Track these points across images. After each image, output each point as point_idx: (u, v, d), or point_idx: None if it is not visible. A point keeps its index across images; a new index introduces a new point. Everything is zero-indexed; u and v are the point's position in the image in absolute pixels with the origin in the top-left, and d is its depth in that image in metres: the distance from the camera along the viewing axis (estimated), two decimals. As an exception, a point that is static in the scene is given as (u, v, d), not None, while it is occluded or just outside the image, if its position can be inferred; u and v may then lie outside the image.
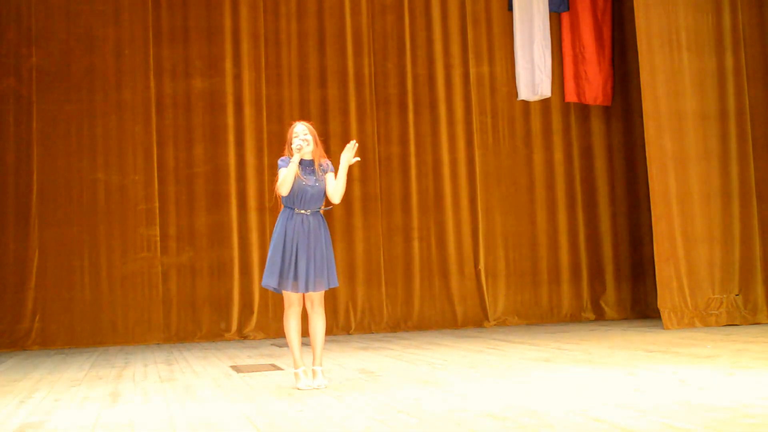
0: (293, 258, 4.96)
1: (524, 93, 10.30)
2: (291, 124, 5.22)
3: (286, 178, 4.96)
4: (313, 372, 5.10)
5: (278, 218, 5.10)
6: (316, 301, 5.10)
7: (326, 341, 8.81)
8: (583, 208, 10.62)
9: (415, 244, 10.14)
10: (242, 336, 9.56)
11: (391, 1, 10.34)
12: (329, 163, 5.17)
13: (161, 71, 9.81)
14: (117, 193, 9.61)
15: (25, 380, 6.27)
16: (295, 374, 5.10)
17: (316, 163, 5.10)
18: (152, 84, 9.76)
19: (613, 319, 10.33)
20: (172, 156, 9.76)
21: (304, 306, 5.16)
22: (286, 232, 5.00)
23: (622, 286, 10.60)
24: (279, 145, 9.97)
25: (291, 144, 5.06)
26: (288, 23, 10.10)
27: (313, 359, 5.12)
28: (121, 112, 9.70)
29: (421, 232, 10.17)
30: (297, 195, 5.01)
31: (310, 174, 5.07)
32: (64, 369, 6.98)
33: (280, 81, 10.04)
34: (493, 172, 10.44)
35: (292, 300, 5.04)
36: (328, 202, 5.17)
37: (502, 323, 10.15)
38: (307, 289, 5.00)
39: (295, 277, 4.96)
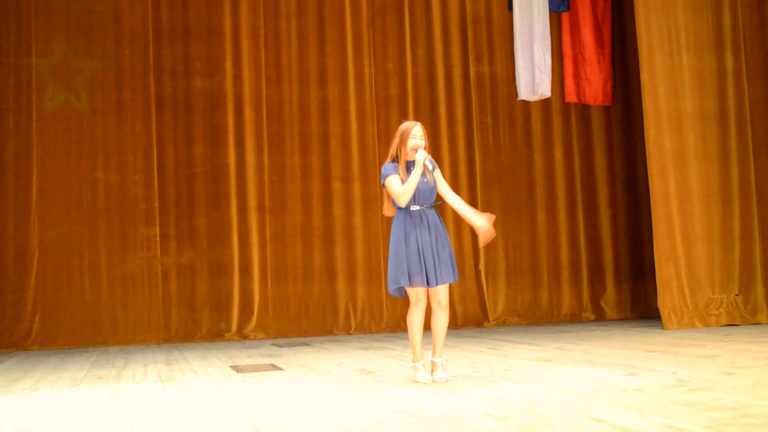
0: (419, 253, 4.97)
1: (524, 93, 10.29)
2: (405, 121, 5.17)
3: (407, 190, 4.97)
4: (433, 364, 5.12)
5: (394, 221, 5.12)
6: (443, 298, 5.05)
7: (327, 341, 8.85)
8: (583, 208, 10.62)
9: (416, 244, 10.12)
10: (242, 336, 9.56)
11: (391, 1, 10.34)
12: (432, 160, 5.14)
13: (161, 71, 9.81)
14: (117, 192, 9.61)
15: (25, 380, 6.27)
16: (415, 367, 5.11)
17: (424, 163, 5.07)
18: (152, 84, 9.76)
19: (613, 319, 10.33)
20: (172, 156, 9.76)
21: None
22: (406, 230, 5.02)
23: (622, 286, 10.60)
24: (279, 145, 10.01)
25: (405, 144, 5.03)
26: (288, 23, 10.10)
27: (434, 351, 5.13)
28: (121, 112, 9.71)
29: (421, 232, 10.15)
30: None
31: None
32: (64, 369, 6.98)
33: (280, 81, 10.04)
34: (493, 172, 10.44)
35: (419, 296, 5.03)
36: (439, 198, 5.18)
37: (502, 323, 10.15)
38: (435, 283, 4.97)
39: (425, 272, 4.96)
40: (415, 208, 5.07)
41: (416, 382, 5.04)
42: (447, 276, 5.02)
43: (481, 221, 5.04)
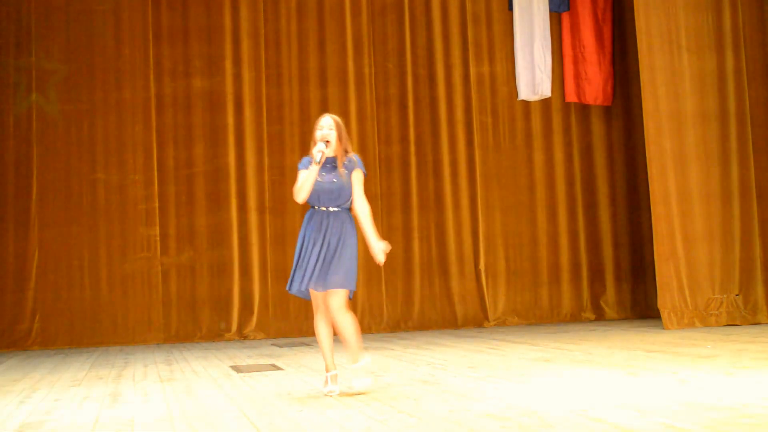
0: (307, 255, 4.68)
1: (524, 93, 10.29)
2: (318, 119, 4.87)
3: (304, 184, 4.65)
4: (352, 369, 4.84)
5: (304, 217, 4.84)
6: (331, 304, 4.68)
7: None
8: (583, 208, 10.62)
9: (415, 243, 10.14)
10: (242, 336, 9.56)
11: (391, 1, 10.34)
12: (355, 159, 4.80)
13: (161, 71, 9.81)
14: (117, 192, 9.62)
15: (25, 380, 6.27)
16: (324, 378, 4.83)
17: (339, 161, 4.74)
18: (152, 84, 9.76)
19: (613, 319, 10.33)
20: (172, 156, 9.76)
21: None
22: (305, 231, 4.74)
23: (622, 286, 10.59)
24: (279, 145, 10.01)
25: (315, 138, 4.73)
26: (288, 23, 10.10)
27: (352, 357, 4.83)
28: (121, 112, 9.71)
29: (422, 232, 10.17)
30: (313, 193, 4.70)
31: (330, 171, 4.72)
32: (64, 369, 6.99)
33: (280, 81, 10.04)
34: (493, 172, 10.44)
35: (315, 303, 4.76)
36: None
37: (502, 323, 10.15)
38: (309, 286, 4.66)
39: (303, 274, 4.67)
40: (320, 208, 4.73)
41: (324, 393, 4.74)
42: (333, 282, 4.64)
43: (377, 245, 4.77)
